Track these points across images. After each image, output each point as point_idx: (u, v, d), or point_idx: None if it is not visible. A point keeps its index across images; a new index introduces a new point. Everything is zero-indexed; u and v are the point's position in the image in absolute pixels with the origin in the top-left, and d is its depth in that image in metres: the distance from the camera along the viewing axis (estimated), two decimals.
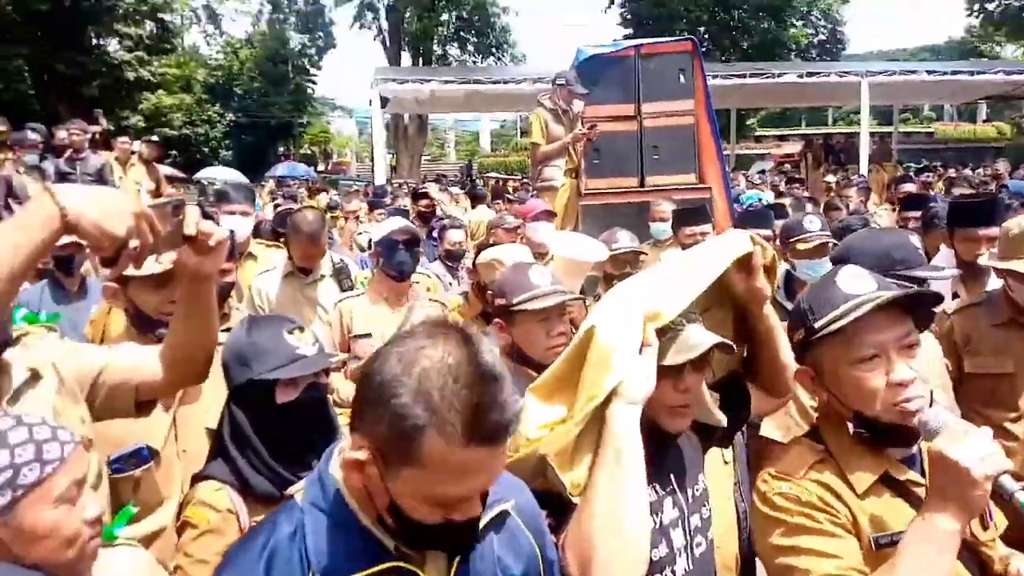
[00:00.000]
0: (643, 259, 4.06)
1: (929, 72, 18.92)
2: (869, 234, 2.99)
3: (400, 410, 0.99)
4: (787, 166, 21.09)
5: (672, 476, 1.52)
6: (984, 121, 34.79)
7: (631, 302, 1.42)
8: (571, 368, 1.41)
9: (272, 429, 1.75)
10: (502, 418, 1.01)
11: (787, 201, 6.56)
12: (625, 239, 3.92)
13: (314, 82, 33.39)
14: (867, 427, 1.40)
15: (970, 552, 1.40)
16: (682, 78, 6.05)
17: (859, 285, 1.39)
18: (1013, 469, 1.24)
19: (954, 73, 19.14)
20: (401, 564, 1.11)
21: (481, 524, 1.13)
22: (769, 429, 2.48)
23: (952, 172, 11.82)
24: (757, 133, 36.07)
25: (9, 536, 1.19)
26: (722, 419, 1.59)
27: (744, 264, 1.56)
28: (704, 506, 1.59)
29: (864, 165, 16.84)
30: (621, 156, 6.09)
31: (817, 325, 1.39)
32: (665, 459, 1.52)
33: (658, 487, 1.48)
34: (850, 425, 1.42)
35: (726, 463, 2.30)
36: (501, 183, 17.19)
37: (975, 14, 35.90)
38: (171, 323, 1.64)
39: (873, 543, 1.34)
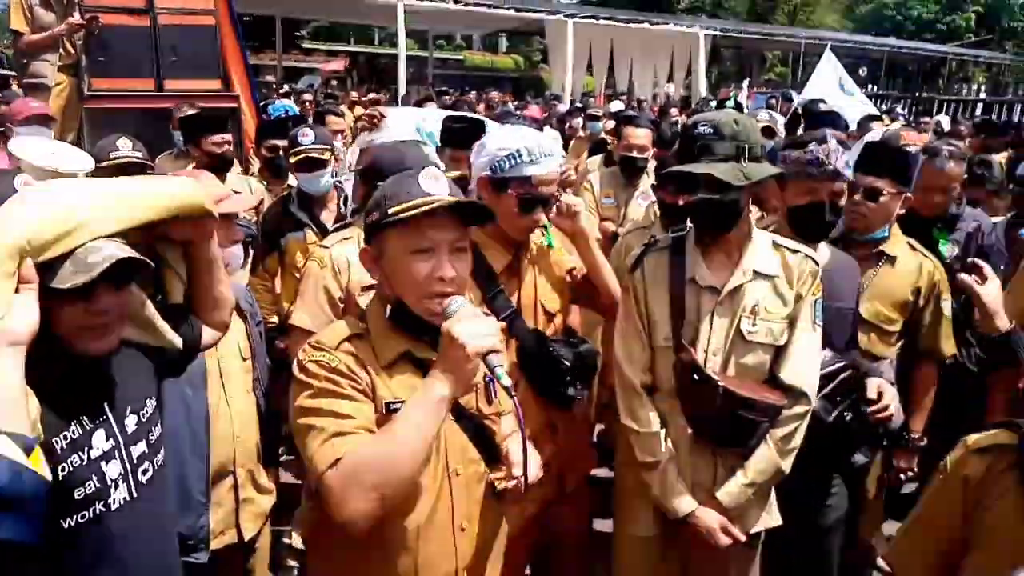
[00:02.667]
0: (158, 169, 3.71)
1: (456, 2, 20.68)
2: (392, 147, 3.19)
3: None
4: (334, 82, 21.33)
5: (106, 405, 1.45)
6: (504, 53, 39.59)
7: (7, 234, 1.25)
8: None
9: None
10: None
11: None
12: (126, 147, 3.48)
13: None
14: (401, 314, 1.55)
15: (474, 423, 1.64)
16: None
17: (436, 187, 1.52)
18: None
19: (476, 5, 21.23)
20: None
21: None
22: (300, 317, 2.53)
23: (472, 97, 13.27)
24: (306, 45, 35.58)
25: None
26: (176, 340, 1.54)
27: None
28: (153, 430, 1.53)
29: (402, 86, 17.87)
30: (133, 55, 5.42)
31: (391, 211, 1.49)
32: (93, 388, 1.44)
33: (86, 420, 1.40)
34: (388, 307, 1.57)
35: (244, 360, 2.31)
36: None
37: None
38: None
39: (385, 407, 1.50)
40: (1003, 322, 2.11)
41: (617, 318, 2.31)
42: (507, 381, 1.42)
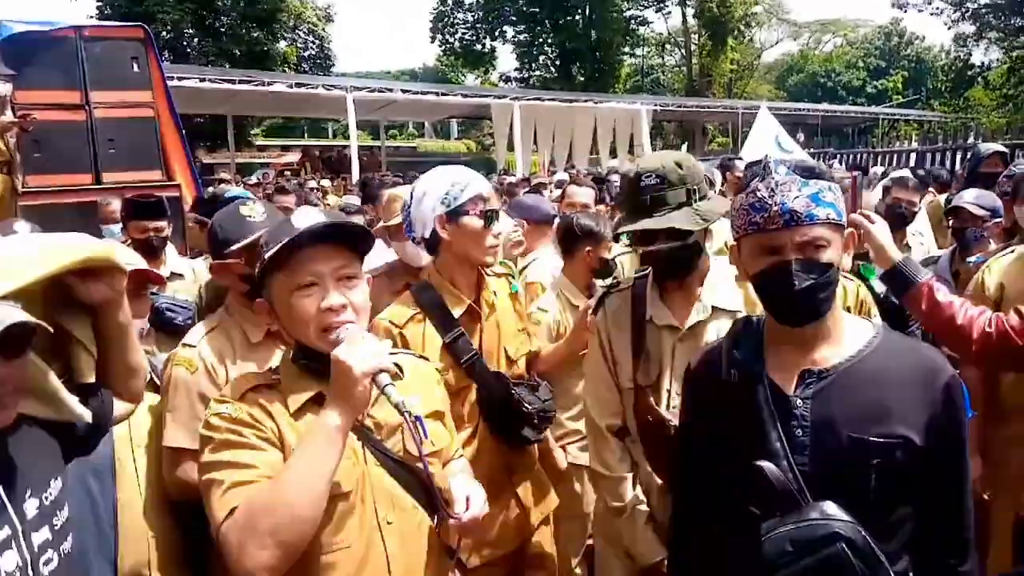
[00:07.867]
0: None
1: (404, 91, 21.23)
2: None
3: None
4: (287, 174, 21.51)
5: (1, 488, 1.29)
6: (456, 138, 40.55)
7: None
8: None
9: None
10: None
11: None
12: (24, 230, 3.31)
13: None
14: (305, 355, 1.51)
15: (405, 467, 1.54)
16: (136, 67, 5.58)
17: (309, 220, 1.47)
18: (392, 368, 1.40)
19: (424, 93, 21.81)
20: None
21: None
22: (174, 436, 2.02)
23: None
24: (260, 143, 36.00)
25: None
26: (84, 414, 1.41)
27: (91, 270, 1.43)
28: (58, 514, 1.38)
29: (356, 174, 18.07)
30: (70, 150, 5.38)
31: (267, 256, 1.45)
32: None
33: None
34: (291, 352, 1.55)
35: None
36: None
37: (439, 44, 41.66)
38: None
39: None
40: (895, 254, 2.14)
41: (586, 360, 2.27)
42: (397, 398, 1.36)
